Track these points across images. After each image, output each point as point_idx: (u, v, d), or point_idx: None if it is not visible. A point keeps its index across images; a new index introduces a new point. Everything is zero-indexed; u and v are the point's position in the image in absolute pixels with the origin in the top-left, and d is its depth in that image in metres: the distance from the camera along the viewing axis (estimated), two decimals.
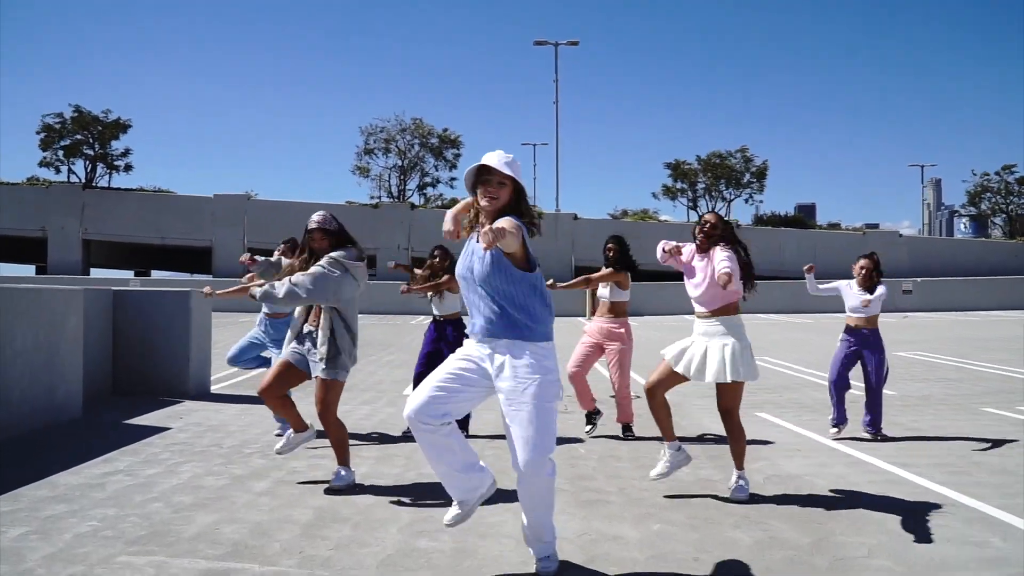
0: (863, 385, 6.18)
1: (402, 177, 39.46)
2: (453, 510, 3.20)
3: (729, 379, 4.23)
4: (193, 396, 7.90)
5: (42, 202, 34.66)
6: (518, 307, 3.04)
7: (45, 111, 46.90)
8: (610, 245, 6.21)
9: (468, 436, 5.98)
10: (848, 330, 6.23)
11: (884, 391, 6.21)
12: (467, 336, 3.23)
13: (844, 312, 6.32)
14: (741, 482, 4.36)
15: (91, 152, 37.22)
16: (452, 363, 3.17)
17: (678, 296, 4.48)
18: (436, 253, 6.35)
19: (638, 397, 5.82)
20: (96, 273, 35.58)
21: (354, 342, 4.56)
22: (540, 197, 76.34)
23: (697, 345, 4.38)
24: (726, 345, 4.27)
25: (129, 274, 38.24)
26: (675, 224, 35.71)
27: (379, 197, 38.59)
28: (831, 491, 4.52)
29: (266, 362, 6.50)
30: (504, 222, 2.91)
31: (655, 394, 4.46)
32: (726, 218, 4.81)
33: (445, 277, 6.17)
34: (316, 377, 4.49)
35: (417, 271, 6.52)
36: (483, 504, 4.08)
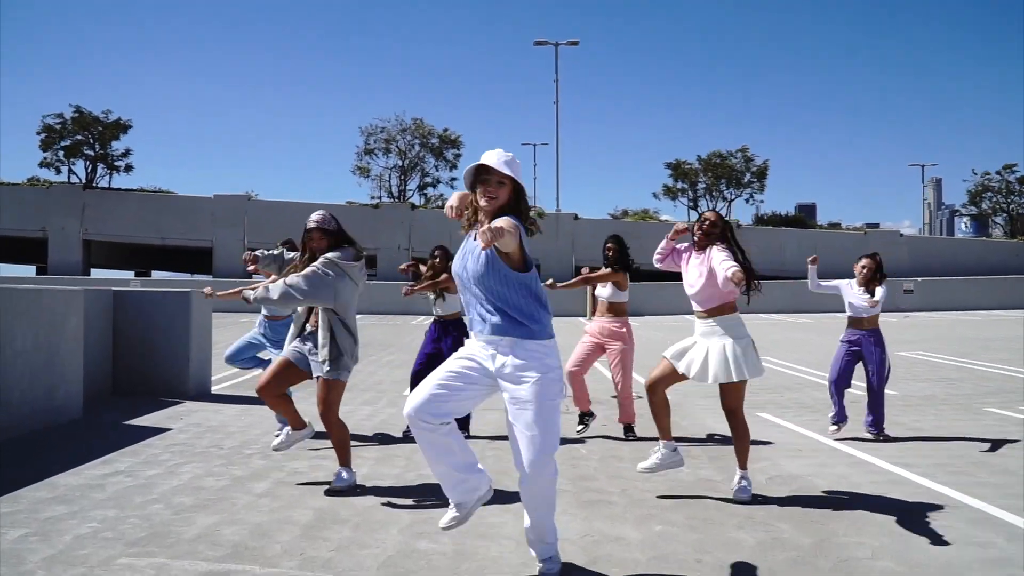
0: (864, 385, 6.17)
1: (402, 177, 39.45)
2: (450, 513, 3.16)
3: (735, 378, 4.22)
4: (193, 397, 7.89)
5: (42, 202, 34.64)
6: (512, 306, 3.02)
7: (45, 111, 46.94)
8: (609, 245, 6.20)
9: (469, 437, 5.97)
10: (849, 330, 6.22)
11: (886, 391, 6.19)
12: (468, 336, 3.21)
13: (844, 312, 6.32)
14: (744, 482, 4.34)
15: (91, 152, 37.19)
16: (454, 362, 3.15)
17: (678, 296, 4.47)
18: (437, 253, 6.34)
19: (640, 398, 5.80)
20: (96, 273, 35.58)
21: (355, 341, 4.55)
22: (541, 197, 76.35)
23: (699, 347, 4.37)
24: (726, 345, 4.26)
25: (129, 274, 38.25)
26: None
27: (379, 197, 38.58)
28: (833, 491, 4.51)
29: (263, 363, 6.51)
30: (502, 221, 2.89)
31: (655, 390, 4.45)
32: (726, 218, 4.79)
33: (443, 276, 6.16)
34: (318, 377, 4.47)
35: (422, 269, 6.53)
36: (483, 505, 4.08)
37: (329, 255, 4.42)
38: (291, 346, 4.62)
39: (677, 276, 4.63)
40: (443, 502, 3.79)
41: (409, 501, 4.26)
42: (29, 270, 39.75)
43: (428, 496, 4.28)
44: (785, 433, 6.28)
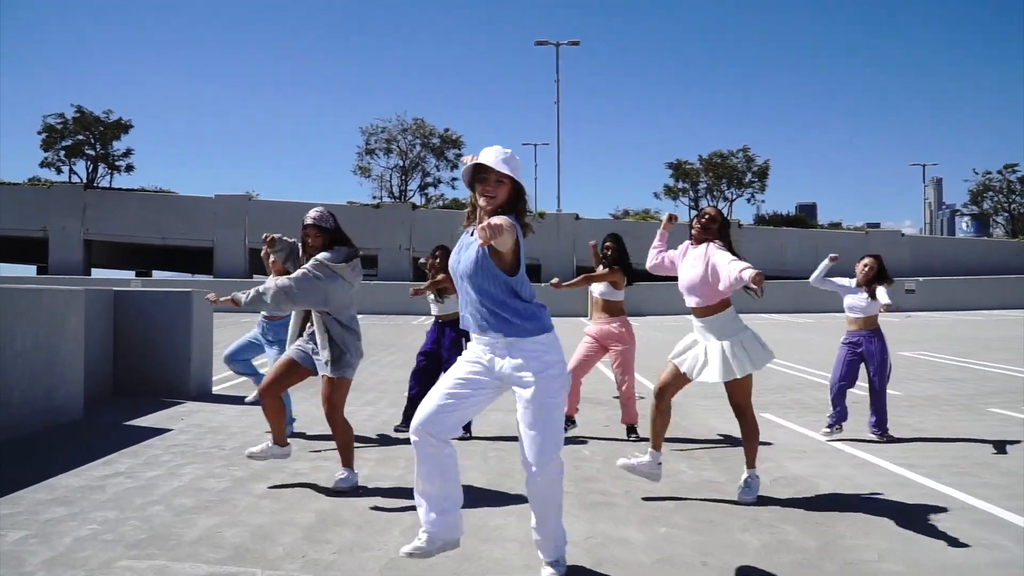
0: (867, 386, 6.14)
1: (403, 177, 39.44)
2: (419, 540, 3.02)
3: (738, 375, 4.19)
4: (194, 397, 7.87)
5: (43, 202, 34.64)
6: (500, 305, 2.98)
7: (46, 111, 46.87)
8: (608, 244, 6.17)
9: (471, 438, 5.95)
10: (849, 331, 6.19)
11: (889, 391, 6.17)
12: (466, 338, 3.19)
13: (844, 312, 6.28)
14: (751, 482, 4.31)
15: (92, 152, 37.20)
16: (459, 368, 3.11)
17: (678, 296, 4.44)
18: (437, 253, 6.32)
19: (642, 398, 5.79)
20: (97, 273, 35.58)
21: (357, 337, 4.52)
22: (542, 197, 76.33)
23: (698, 347, 4.35)
24: (724, 343, 4.23)
25: (130, 274, 38.24)
26: (676, 224, 35.63)
27: (380, 197, 38.59)
28: (838, 493, 4.48)
29: (257, 373, 6.53)
30: (500, 220, 2.85)
31: (663, 396, 4.41)
32: (727, 216, 4.76)
33: (440, 276, 6.14)
34: (323, 376, 4.45)
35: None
36: (487, 507, 4.06)
37: (319, 256, 4.39)
38: (295, 345, 4.60)
39: (676, 277, 4.59)
40: None
41: (411, 503, 4.22)
42: (30, 270, 39.75)
43: None
44: (788, 434, 6.25)
